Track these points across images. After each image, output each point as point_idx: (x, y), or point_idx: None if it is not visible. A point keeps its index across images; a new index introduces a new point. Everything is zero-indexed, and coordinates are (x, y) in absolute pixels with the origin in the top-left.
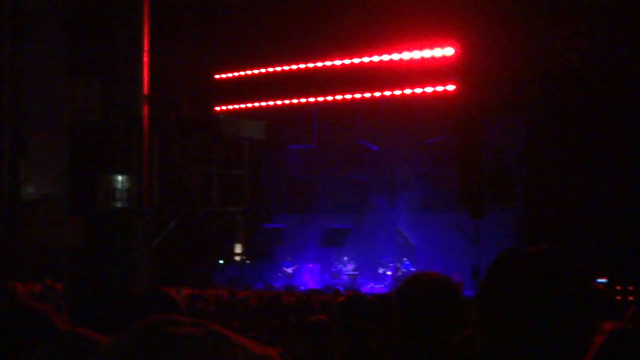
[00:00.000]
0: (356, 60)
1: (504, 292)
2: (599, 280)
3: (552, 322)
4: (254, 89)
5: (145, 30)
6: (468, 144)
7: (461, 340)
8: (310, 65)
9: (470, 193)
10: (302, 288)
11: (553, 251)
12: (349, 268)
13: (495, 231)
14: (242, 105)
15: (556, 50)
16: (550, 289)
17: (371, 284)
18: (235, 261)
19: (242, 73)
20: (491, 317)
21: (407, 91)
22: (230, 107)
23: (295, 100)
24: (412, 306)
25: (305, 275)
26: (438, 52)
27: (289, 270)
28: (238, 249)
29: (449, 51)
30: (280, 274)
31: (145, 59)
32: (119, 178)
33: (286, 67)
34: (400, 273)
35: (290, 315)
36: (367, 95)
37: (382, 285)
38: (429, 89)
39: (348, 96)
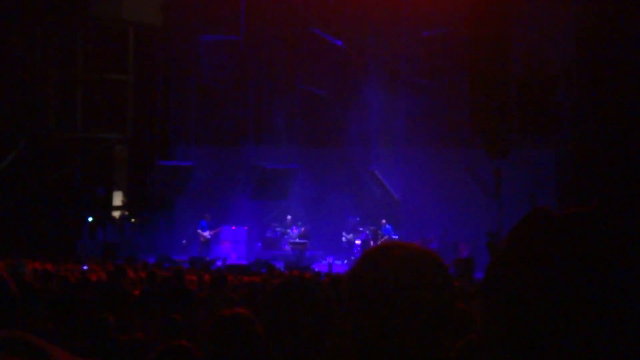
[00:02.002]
0: None
1: (530, 277)
2: None
3: (606, 325)
4: None
5: None
6: (487, 44)
7: (458, 352)
8: None
9: (488, 120)
10: (218, 263)
11: (609, 214)
12: (295, 233)
13: (526, 179)
14: None
15: None
16: (605, 274)
17: (329, 259)
18: (113, 219)
19: None
20: (508, 315)
21: None
22: None
23: None
24: (374, 299)
25: (224, 243)
26: None
27: (206, 234)
28: (117, 199)
29: None
30: (184, 241)
31: None
32: None
33: None
34: (376, 242)
35: (198, 306)
36: None
37: (347, 262)
38: None
39: None
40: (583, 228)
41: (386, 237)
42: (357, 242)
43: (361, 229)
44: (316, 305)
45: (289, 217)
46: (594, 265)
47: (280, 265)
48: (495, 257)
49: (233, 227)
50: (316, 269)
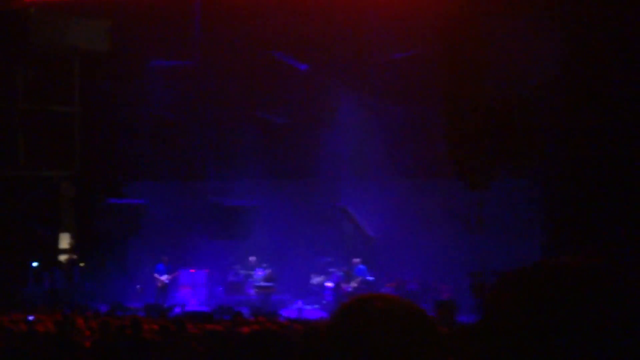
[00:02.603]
0: None
1: (524, 335)
2: None
3: None
4: None
5: None
6: (462, 65)
7: None
8: None
9: (466, 148)
10: (177, 310)
11: (610, 269)
12: (260, 276)
13: (510, 212)
14: None
15: None
16: (608, 337)
17: (298, 304)
18: (60, 263)
19: None
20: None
21: None
22: None
23: None
24: (352, 356)
25: (182, 288)
26: None
27: (163, 278)
28: (64, 241)
29: None
30: (139, 286)
31: None
32: None
33: None
34: (349, 285)
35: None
36: None
37: (318, 307)
38: None
39: None
40: (582, 285)
41: (359, 278)
42: (328, 284)
43: (332, 270)
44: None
45: (252, 258)
46: (596, 332)
47: (245, 312)
48: (482, 309)
49: (192, 270)
50: (284, 315)
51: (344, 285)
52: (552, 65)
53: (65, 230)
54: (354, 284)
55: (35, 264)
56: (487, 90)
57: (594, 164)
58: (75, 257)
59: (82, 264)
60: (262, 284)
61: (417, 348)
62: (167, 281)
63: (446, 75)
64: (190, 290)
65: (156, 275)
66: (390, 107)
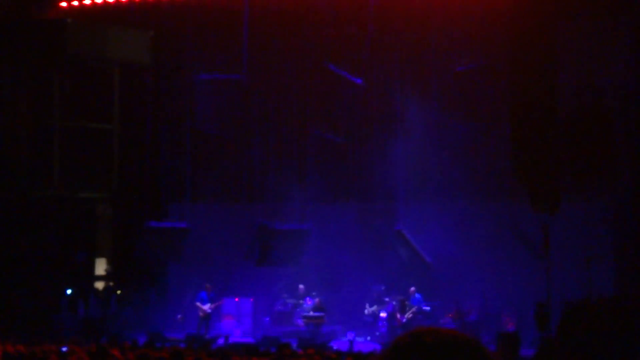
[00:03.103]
0: None
1: None
2: None
3: None
4: None
5: None
6: (530, 77)
7: None
8: None
9: (533, 167)
10: (220, 342)
11: None
12: (309, 305)
13: (580, 237)
14: None
15: None
16: None
17: (350, 335)
18: (96, 291)
19: None
20: None
21: None
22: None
23: None
24: None
25: (226, 317)
26: None
27: (206, 307)
28: (100, 268)
29: None
30: (179, 316)
31: None
32: None
33: None
34: (404, 316)
35: None
36: None
37: (371, 339)
38: None
39: None
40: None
41: (415, 308)
42: (383, 314)
43: (387, 299)
44: None
45: (301, 286)
46: None
47: (292, 343)
48: (550, 338)
49: (236, 299)
50: (335, 347)
51: (398, 316)
52: (626, 72)
53: (101, 255)
54: (409, 315)
55: (69, 291)
56: (555, 104)
57: None
58: (112, 284)
59: (119, 292)
60: (312, 313)
61: None
62: (209, 310)
63: (512, 88)
64: (234, 321)
65: (198, 304)
66: (452, 123)
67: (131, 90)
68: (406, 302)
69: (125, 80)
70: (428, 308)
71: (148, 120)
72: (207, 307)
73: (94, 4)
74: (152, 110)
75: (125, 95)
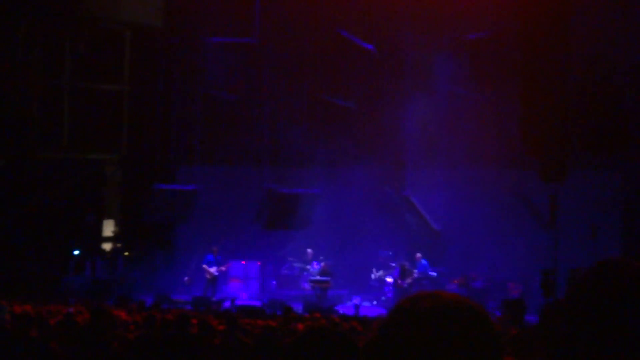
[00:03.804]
0: None
1: (604, 333)
2: None
3: None
4: None
5: None
6: (542, 47)
7: None
8: None
9: (543, 136)
10: (226, 305)
11: None
12: (316, 269)
13: (587, 207)
14: None
15: None
16: None
17: (356, 300)
18: (103, 252)
19: None
20: None
21: None
22: None
23: None
24: (401, 357)
25: (233, 280)
26: None
27: (213, 270)
28: (108, 229)
29: None
30: (186, 278)
31: None
32: None
33: None
34: (405, 280)
35: (204, 356)
36: None
37: (376, 303)
38: None
39: None
40: None
41: (416, 273)
42: (389, 279)
43: (393, 264)
44: None
45: (309, 250)
46: None
47: (298, 307)
48: (553, 306)
49: (244, 262)
50: (341, 312)
51: (399, 281)
52: (638, 45)
53: (109, 216)
54: (409, 280)
55: (77, 252)
56: (566, 74)
57: None
58: (119, 245)
59: (126, 253)
60: (318, 278)
61: (466, 349)
62: (216, 273)
63: (524, 57)
64: (241, 283)
65: (205, 266)
66: (462, 91)
67: (142, 52)
68: (406, 267)
69: (136, 42)
70: (434, 274)
71: (159, 83)
72: (213, 269)
73: None
74: (163, 73)
75: (136, 57)
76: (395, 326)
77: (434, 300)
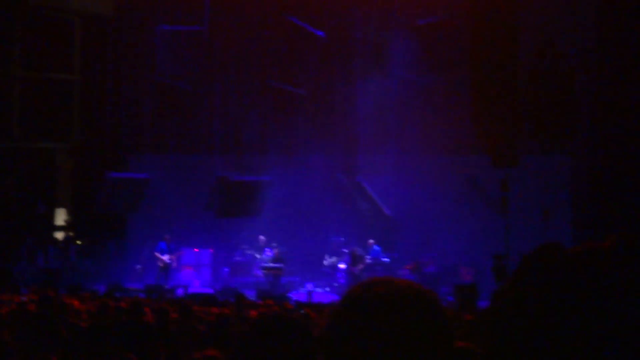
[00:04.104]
0: None
1: (540, 317)
2: None
3: None
4: None
5: None
6: (491, 33)
7: None
8: None
9: (493, 122)
10: (179, 292)
11: (626, 251)
12: (268, 256)
13: (538, 192)
14: None
15: None
16: (628, 319)
17: (309, 286)
18: (55, 241)
19: None
20: (513, 349)
21: None
22: None
23: None
24: (354, 352)
25: (185, 268)
26: None
27: (165, 257)
28: (60, 218)
29: None
30: (139, 266)
31: None
32: None
33: None
34: (360, 265)
35: (158, 343)
36: None
37: (329, 290)
38: None
39: None
40: (596, 268)
41: (372, 260)
42: (341, 266)
43: (346, 250)
44: (296, 351)
45: (261, 237)
46: (606, 306)
47: (251, 294)
48: (501, 290)
49: (196, 250)
50: (294, 298)
51: (351, 268)
52: (587, 31)
53: (61, 205)
54: (360, 266)
55: (29, 241)
56: (516, 59)
57: (629, 140)
58: (71, 234)
59: (79, 242)
60: (271, 264)
61: (418, 335)
62: (169, 261)
63: (473, 43)
64: (193, 271)
65: (157, 254)
66: (413, 77)
67: (92, 40)
68: (357, 254)
69: (86, 31)
70: (387, 260)
71: (109, 71)
72: (166, 257)
73: None
74: (113, 61)
75: (86, 45)
76: (347, 313)
77: (385, 286)
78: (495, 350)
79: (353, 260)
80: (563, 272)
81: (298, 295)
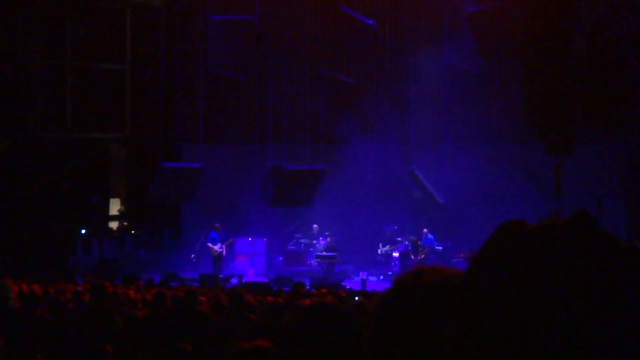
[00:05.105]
0: None
1: (498, 294)
2: None
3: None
4: None
5: None
6: (544, 19)
7: None
8: None
9: (546, 110)
10: (233, 281)
11: (588, 224)
12: (322, 245)
13: (592, 179)
14: None
15: None
16: (584, 296)
17: (363, 275)
18: (110, 231)
19: None
20: (480, 320)
21: None
22: None
23: None
24: (402, 341)
25: (239, 257)
26: None
27: (217, 247)
28: (114, 208)
29: None
30: (193, 256)
31: None
32: None
33: None
34: (417, 256)
35: (211, 332)
36: None
37: (383, 278)
38: None
39: None
40: (553, 242)
41: (427, 248)
42: (395, 254)
43: (399, 239)
44: (348, 340)
45: (315, 226)
46: (569, 279)
47: (305, 283)
48: (470, 266)
49: (250, 239)
50: (348, 287)
51: (412, 256)
52: None
53: (115, 195)
54: (421, 255)
55: (83, 232)
56: (569, 46)
57: None
58: (125, 224)
59: (133, 232)
60: (325, 253)
61: (467, 324)
62: (220, 250)
63: (525, 30)
64: (247, 260)
65: (209, 244)
66: (465, 65)
67: (143, 30)
68: (418, 242)
69: (137, 21)
70: (440, 248)
71: (161, 61)
72: (217, 246)
73: None
74: (165, 51)
75: (137, 35)
76: (395, 301)
77: (434, 275)
78: (468, 326)
79: (415, 248)
80: (522, 249)
81: (352, 283)
